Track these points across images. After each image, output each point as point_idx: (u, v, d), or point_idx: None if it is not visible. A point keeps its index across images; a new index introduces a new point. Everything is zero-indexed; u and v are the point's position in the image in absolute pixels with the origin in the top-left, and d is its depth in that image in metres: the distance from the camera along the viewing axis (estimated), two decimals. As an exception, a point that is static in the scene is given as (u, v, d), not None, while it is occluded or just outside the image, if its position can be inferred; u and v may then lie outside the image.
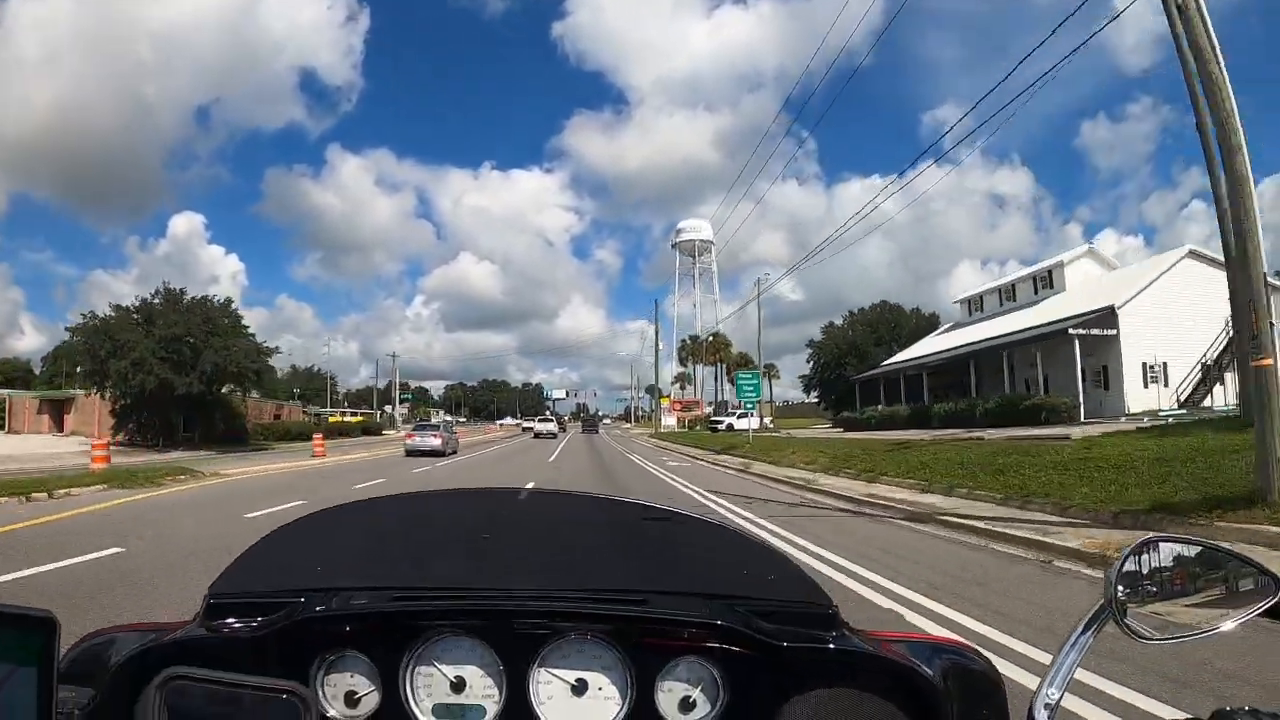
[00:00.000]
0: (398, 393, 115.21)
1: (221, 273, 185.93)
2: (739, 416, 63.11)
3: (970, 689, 1.37)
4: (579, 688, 1.32)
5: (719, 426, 63.56)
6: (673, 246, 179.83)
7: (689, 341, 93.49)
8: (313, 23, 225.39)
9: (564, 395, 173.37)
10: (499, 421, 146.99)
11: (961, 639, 1.67)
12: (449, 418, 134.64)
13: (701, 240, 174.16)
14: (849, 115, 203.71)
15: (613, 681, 1.33)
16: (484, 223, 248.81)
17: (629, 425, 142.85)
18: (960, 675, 1.38)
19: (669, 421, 71.15)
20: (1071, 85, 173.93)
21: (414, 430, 40.23)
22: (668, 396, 77.16)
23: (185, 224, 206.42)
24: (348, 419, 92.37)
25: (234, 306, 51.59)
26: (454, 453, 37.73)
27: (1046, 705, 1.24)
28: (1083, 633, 1.29)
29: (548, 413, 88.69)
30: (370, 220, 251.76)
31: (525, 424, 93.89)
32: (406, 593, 1.40)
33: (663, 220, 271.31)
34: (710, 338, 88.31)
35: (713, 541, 1.68)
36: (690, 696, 1.33)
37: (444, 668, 1.34)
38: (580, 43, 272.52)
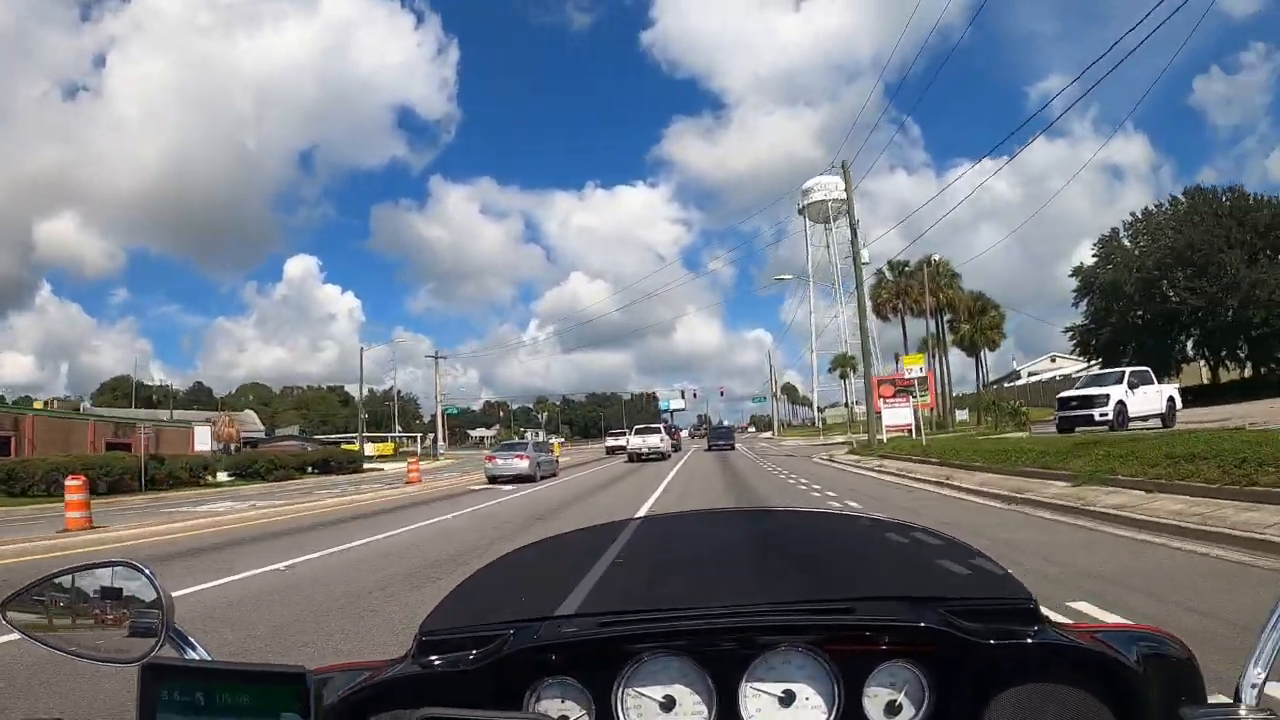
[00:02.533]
0: (441, 411, 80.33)
1: (338, 310, 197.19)
2: (1133, 385, 24.89)
3: (1169, 674, 1.35)
4: (786, 699, 1.31)
5: (1090, 415, 24.00)
6: (800, 211, 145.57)
7: (887, 276, 53.24)
8: (404, 61, 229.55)
9: (682, 406, 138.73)
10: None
11: (1158, 626, 1.54)
12: (540, 436, 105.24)
13: (835, 200, 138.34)
14: (952, 97, 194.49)
15: (819, 691, 1.31)
16: (592, 242, 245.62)
17: (769, 435, 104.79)
18: (1159, 661, 1.36)
19: (895, 418, 33.31)
20: None
21: (495, 452, 32.43)
22: (919, 356, 37.05)
23: (300, 266, 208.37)
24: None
25: None
26: (550, 476, 31.49)
27: (1253, 685, 1.23)
28: None
29: (663, 426, 50.11)
30: (479, 248, 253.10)
31: (613, 442, 56.78)
32: (612, 617, 1.41)
33: (770, 224, 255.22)
34: (934, 259, 48.97)
35: (908, 543, 1.81)
36: (896, 700, 1.31)
37: (653, 688, 1.33)
38: (670, 50, 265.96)
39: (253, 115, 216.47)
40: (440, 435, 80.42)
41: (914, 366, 28.92)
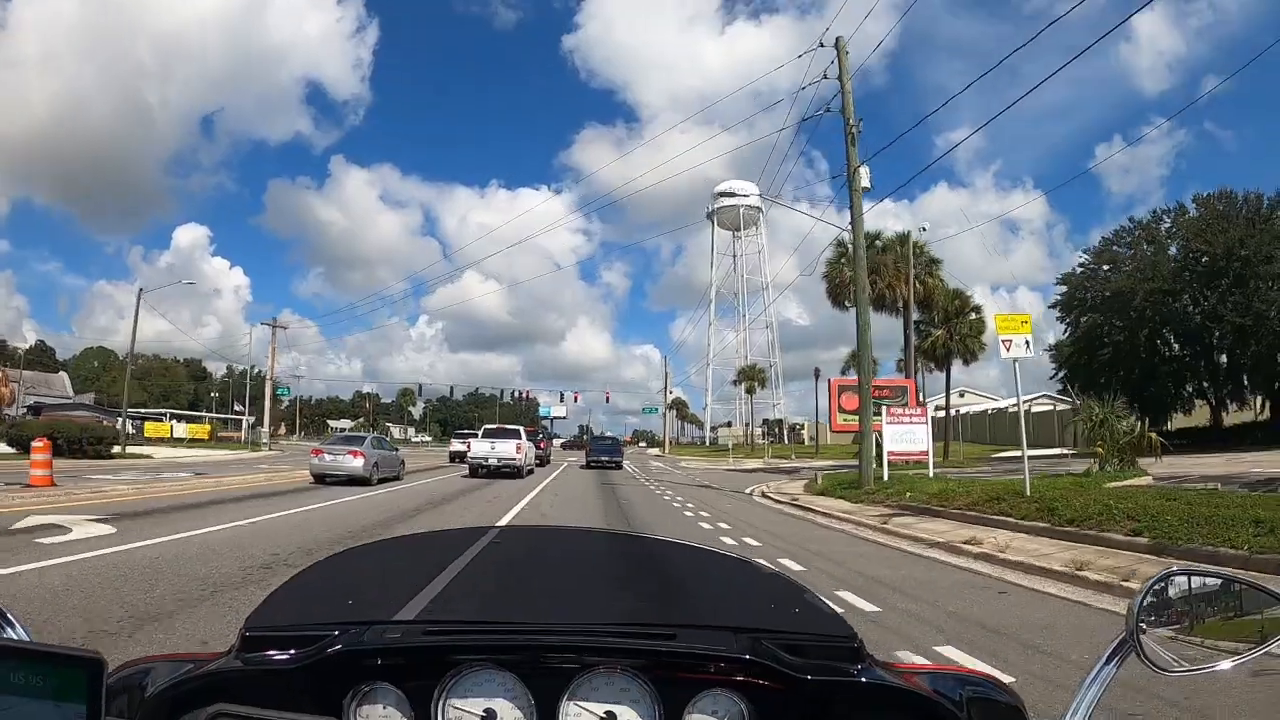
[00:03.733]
0: (272, 391, 64.14)
1: (225, 285, 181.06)
2: None
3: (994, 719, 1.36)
4: None
5: None
6: (708, 216, 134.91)
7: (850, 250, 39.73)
8: (320, 33, 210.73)
9: (564, 414, 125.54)
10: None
11: (985, 670, 1.56)
12: (410, 434, 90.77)
13: (749, 207, 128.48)
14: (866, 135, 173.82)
15: (640, 715, 1.27)
16: (490, 242, 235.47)
17: (657, 452, 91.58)
18: (983, 706, 1.35)
19: (902, 441, 20.67)
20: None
21: (325, 445, 26.46)
22: (1021, 317, 21.99)
23: (189, 235, 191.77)
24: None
25: None
26: (392, 480, 25.64)
27: None
28: (1105, 665, 1.30)
29: (524, 430, 32.64)
30: (374, 236, 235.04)
31: (458, 446, 41.66)
32: (438, 626, 1.38)
33: (671, 243, 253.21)
34: (915, 235, 35.40)
35: (738, 575, 1.77)
36: None
37: (475, 700, 1.28)
38: (590, 58, 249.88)
39: (157, 70, 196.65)
40: (267, 420, 64.23)
41: (1016, 336, 14.43)
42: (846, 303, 35.41)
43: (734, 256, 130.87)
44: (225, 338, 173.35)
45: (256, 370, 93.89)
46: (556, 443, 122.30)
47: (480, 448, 29.47)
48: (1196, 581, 1.34)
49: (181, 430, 67.55)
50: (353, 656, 1.27)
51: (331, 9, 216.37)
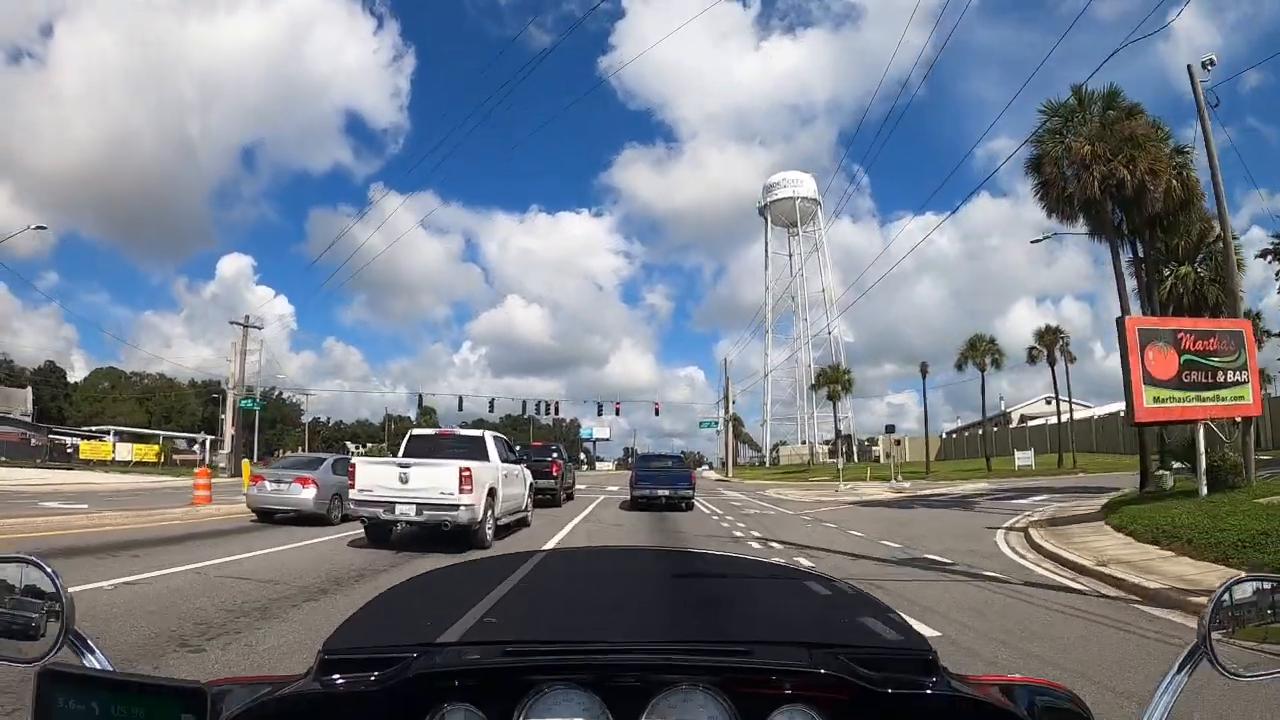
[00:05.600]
0: (235, 405, 49.97)
1: (269, 314, 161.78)
2: None
3: None
4: None
5: None
6: (761, 211, 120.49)
7: (1086, 121, 20.87)
8: (358, 65, 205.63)
9: (607, 435, 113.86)
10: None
11: (1055, 681, 1.54)
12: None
13: (805, 199, 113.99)
14: (904, 150, 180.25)
15: None
16: (532, 266, 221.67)
17: (714, 474, 77.01)
18: (1054, 715, 1.40)
19: None
20: None
21: (269, 471, 18.45)
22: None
23: (233, 265, 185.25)
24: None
25: None
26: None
27: None
28: (1177, 673, 1.33)
29: (494, 440, 15.70)
30: (416, 262, 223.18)
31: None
32: (517, 646, 1.38)
33: (714, 262, 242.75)
34: (1208, 72, 16.90)
35: (812, 591, 1.83)
36: None
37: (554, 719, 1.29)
38: (626, 78, 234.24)
39: (198, 103, 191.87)
40: (228, 440, 50.33)
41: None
42: (1067, 211, 20.35)
43: (789, 255, 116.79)
44: (269, 365, 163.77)
45: (279, 393, 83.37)
46: (603, 466, 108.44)
47: (377, 477, 13.44)
48: (1264, 587, 1.33)
49: (127, 452, 54.56)
50: (433, 678, 1.27)
51: (369, 40, 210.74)
